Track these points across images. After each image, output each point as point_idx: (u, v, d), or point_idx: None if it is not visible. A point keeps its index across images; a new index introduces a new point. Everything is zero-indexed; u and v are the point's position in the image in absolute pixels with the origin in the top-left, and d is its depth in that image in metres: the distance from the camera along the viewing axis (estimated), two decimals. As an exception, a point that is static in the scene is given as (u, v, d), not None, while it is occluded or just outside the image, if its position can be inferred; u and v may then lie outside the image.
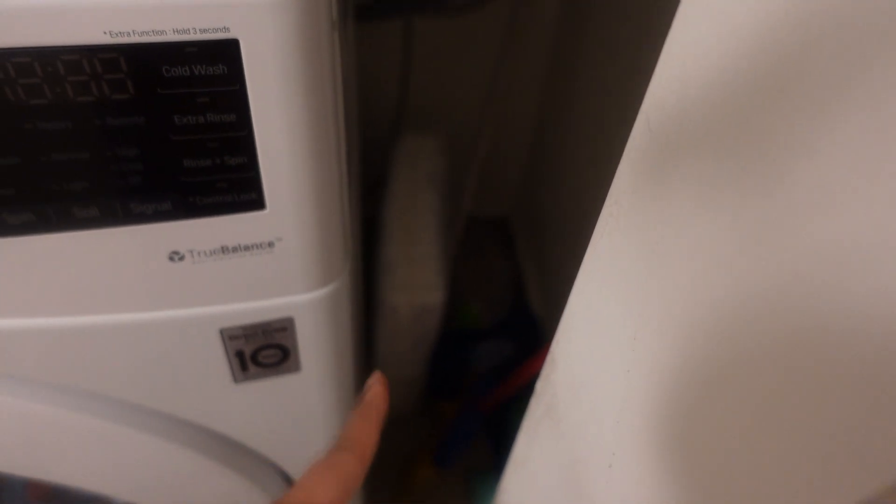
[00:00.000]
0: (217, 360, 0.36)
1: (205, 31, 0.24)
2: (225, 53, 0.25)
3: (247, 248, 0.31)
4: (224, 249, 0.30)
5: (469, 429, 0.97)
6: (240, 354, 0.36)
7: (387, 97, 1.05)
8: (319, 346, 0.38)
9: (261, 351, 0.37)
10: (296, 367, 0.39)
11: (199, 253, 0.30)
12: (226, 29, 0.24)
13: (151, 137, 0.26)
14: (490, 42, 0.98)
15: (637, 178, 0.20)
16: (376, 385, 0.27)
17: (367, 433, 0.25)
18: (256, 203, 0.29)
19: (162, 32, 0.24)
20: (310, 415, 0.44)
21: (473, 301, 1.19)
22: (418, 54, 0.99)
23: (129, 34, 0.24)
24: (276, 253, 0.31)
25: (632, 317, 0.20)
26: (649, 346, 0.20)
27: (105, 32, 0.23)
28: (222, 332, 0.35)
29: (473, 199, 1.09)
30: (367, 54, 0.98)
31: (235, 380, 0.38)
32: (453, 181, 1.05)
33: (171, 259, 0.30)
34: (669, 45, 0.18)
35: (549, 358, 0.30)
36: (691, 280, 0.18)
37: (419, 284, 0.84)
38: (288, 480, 0.48)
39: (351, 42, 0.54)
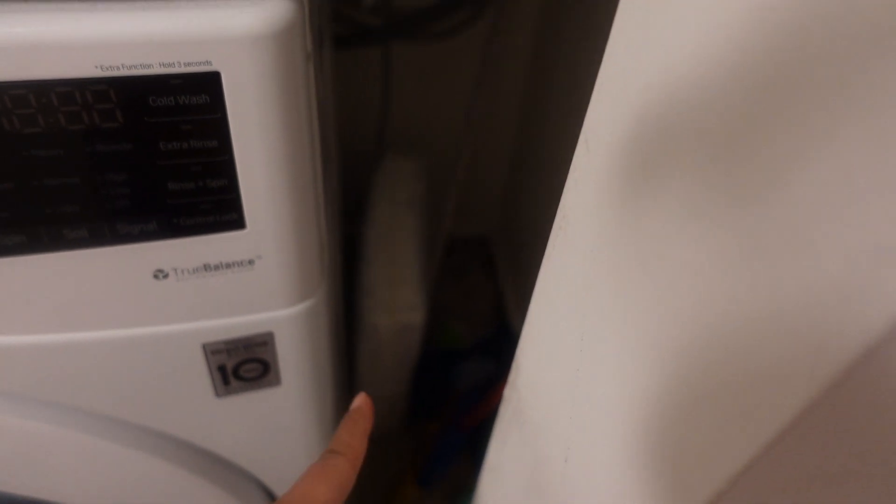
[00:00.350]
0: (200, 375, 0.38)
1: (188, 64, 0.26)
2: (207, 85, 0.27)
3: (228, 265, 0.32)
4: (206, 267, 0.32)
5: (452, 447, 0.98)
6: (222, 369, 0.38)
7: (368, 121, 1.08)
8: (299, 360, 0.40)
9: (242, 365, 0.38)
10: (276, 381, 0.40)
11: (182, 271, 0.32)
12: (208, 62, 0.26)
13: (138, 162, 0.28)
14: (467, 67, 1.01)
15: (580, 194, 0.22)
16: (362, 398, 0.30)
17: (357, 439, 0.28)
18: (237, 223, 0.31)
19: (149, 66, 0.26)
20: (290, 429, 0.45)
21: (455, 320, 1.20)
22: (397, 80, 1.02)
23: (118, 68, 0.26)
24: (255, 270, 0.33)
25: (578, 319, 0.22)
26: (594, 347, 0.22)
27: (96, 66, 0.25)
28: (205, 346, 0.36)
29: (454, 219, 1.12)
30: (348, 80, 1.01)
31: (217, 394, 0.39)
32: (434, 202, 1.08)
33: (156, 277, 0.32)
34: (603, 72, 0.21)
35: (514, 364, 0.32)
36: (629, 283, 0.20)
37: (400, 304, 0.86)
38: (269, 494, 0.49)
39: (328, 69, 0.56)
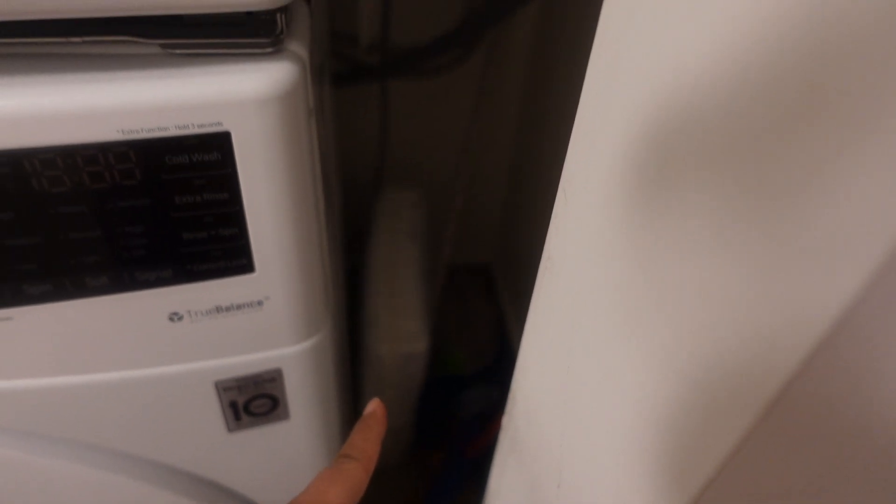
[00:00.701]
0: (212, 411, 0.39)
1: (201, 126, 0.29)
2: (218, 143, 0.29)
3: (238, 307, 0.34)
4: (218, 309, 0.34)
5: (457, 476, 0.99)
6: (233, 405, 0.40)
7: (367, 154, 1.11)
8: (306, 394, 0.42)
9: (252, 401, 0.40)
10: (285, 416, 0.42)
11: (196, 313, 0.34)
12: (219, 123, 0.29)
13: (155, 215, 0.31)
14: (462, 98, 1.04)
15: (561, 239, 0.24)
16: (375, 403, 0.30)
17: (370, 443, 0.28)
18: (246, 267, 0.33)
19: (165, 129, 0.28)
20: (299, 461, 0.47)
21: (458, 348, 1.22)
22: (395, 113, 1.05)
23: (138, 131, 0.28)
24: (264, 310, 0.35)
25: (564, 354, 0.24)
26: (578, 379, 0.23)
27: (118, 131, 0.28)
28: (217, 384, 0.38)
29: (454, 247, 1.14)
30: (347, 115, 1.04)
31: (229, 429, 0.41)
32: (433, 231, 1.10)
33: (172, 319, 0.34)
34: (577, 128, 0.23)
35: (510, 395, 0.34)
36: (608, 320, 0.22)
37: (403, 334, 0.88)
38: (279, 526, 0.50)
39: (329, 107, 0.59)
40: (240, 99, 0.28)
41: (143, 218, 0.30)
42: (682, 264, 0.17)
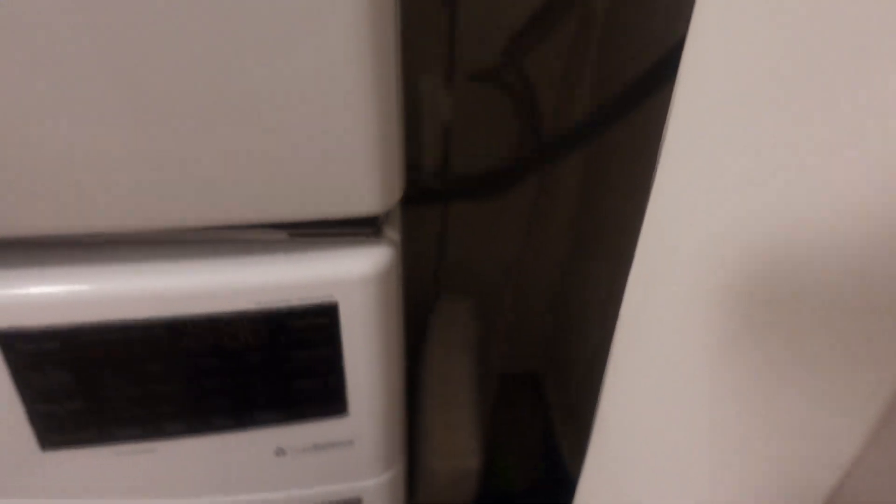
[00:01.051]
0: (300, 534, 0.44)
1: (317, 297, 0.36)
2: (328, 312, 0.36)
3: (332, 444, 0.40)
4: (316, 446, 0.40)
5: None
6: (319, 528, 0.44)
7: (425, 267, 1.18)
8: (380, 519, 0.46)
9: (335, 525, 0.45)
10: (360, 538, 0.46)
11: (297, 449, 0.40)
12: (330, 296, 0.36)
13: (274, 367, 0.37)
14: (517, 218, 1.11)
15: (611, 407, 0.29)
16: None
17: None
18: (342, 410, 0.39)
19: (289, 301, 0.35)
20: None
21: (508, 459, 1.22)
22: (452, 230, 1.13)
23: (269, 302, 0.35)
24: (354, 448, 0.40)
25: (616, 480, 0.29)
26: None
27: (255, 303, 0.35)
28: (308, 510, 0.43)
29: (503, 356, 1.17)
30: (408, 231, 1.13)
31: (311, 550, 0.46)
32: (486, 342, 1.14)
33: (277, 454, 0.40)
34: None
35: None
36: (649, 489, 0.26)
37: (457, 449, 0.90)
38: None
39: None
40: (348, 279, 0.35)
41: (265, 369, 0.37)
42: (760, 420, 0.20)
